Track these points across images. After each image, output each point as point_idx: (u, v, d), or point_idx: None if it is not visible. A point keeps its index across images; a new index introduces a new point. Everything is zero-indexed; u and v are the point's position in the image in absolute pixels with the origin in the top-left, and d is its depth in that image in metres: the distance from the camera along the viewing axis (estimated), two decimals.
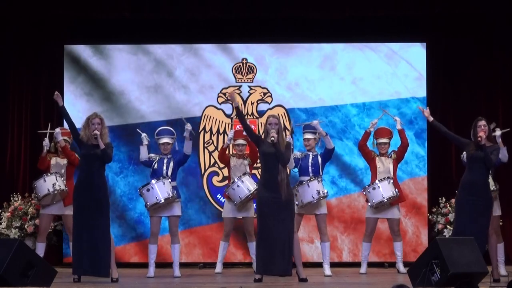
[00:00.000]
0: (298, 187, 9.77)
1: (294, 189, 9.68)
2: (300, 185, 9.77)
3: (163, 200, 9.66)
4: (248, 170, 10.25)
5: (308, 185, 9.73)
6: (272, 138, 8.86)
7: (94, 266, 9.01)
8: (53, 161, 10.41)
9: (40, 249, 10.21)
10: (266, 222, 8.88)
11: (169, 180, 9.78)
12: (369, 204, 10.08)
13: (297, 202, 9.68)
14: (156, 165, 9.89)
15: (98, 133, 9.08)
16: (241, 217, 10.30)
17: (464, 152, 9.29)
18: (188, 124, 9.87)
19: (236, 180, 10.03)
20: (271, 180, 8.89)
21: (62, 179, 10.18)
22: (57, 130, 10.23)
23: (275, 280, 9.05)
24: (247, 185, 10.02)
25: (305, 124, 10.26)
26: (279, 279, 9.10)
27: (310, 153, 9.99)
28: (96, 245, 8.97)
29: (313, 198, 9.72)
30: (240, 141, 10.32)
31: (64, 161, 10.35)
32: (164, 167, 9.85)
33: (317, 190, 9.72)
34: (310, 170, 9.90)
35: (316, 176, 9.83)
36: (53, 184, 10.07)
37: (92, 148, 9.11)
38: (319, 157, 9.97)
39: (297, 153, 10.05)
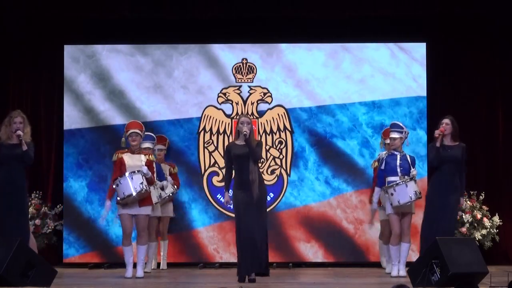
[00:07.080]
0: (395, 187, 9.59)
1: (391, 188, 9.60)
2: (397, 185, 9.60)
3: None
4: (168, 175, 10.53)
5: (406, 185, 9.57)
6: (245, 132, 8.92)
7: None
8: (128, 158, 9.54)
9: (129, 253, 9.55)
10: (244, 223, 8.90)
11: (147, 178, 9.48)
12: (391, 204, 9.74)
13: (391, 202, 9.63)
14: None
15: (22, 133, 8.88)
16: (159, 216, 10.39)
17: None
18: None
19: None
20: (244, 180, 8.94)
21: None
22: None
23: (274, 280, 9.04)
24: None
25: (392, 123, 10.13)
26: (278, 279, 9.11)
27: (398, 153, 9.83)
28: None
29: (411, 198, 9.53)
30: (160, 146, 10.76)
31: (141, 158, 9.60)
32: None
33: (414, 191, 9.58)
34: (398, 170, 9.76)
35: (409, 177, 9.72)
36: (140, 183, 9.32)
37: (12, 148, 8.91)
38: (407, 157, 9.85)
39: (381, 153, 10.04)
